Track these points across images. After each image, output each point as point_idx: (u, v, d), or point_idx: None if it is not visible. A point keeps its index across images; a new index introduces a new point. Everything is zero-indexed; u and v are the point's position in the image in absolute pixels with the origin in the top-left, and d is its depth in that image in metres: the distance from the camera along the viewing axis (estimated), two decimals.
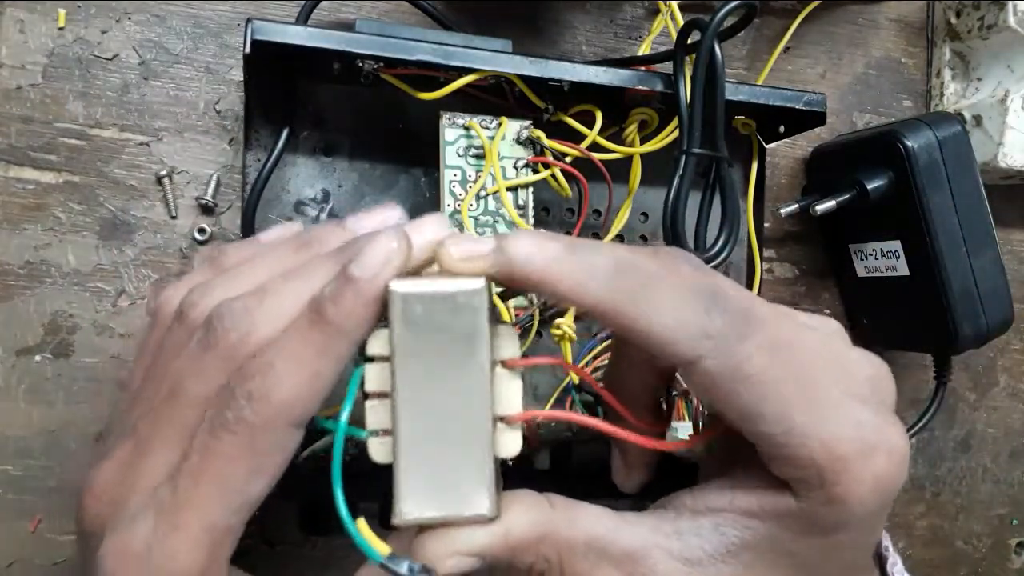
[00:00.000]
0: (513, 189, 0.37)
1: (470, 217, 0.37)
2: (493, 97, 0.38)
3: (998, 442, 0.54)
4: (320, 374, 0.22)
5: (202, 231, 0.39)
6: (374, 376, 0.22)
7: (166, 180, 0.39)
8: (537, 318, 0.40)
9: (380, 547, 0.21)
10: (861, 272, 0.47)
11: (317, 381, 0.22)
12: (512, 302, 0.38)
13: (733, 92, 0.39)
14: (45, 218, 0.37)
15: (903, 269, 0.44)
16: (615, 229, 0.41)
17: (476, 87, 0.37)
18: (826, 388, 0.23)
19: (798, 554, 0.24)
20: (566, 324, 0.39)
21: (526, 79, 0.37)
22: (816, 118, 0.41)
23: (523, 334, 0.40)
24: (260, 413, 0.22)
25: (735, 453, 0.26)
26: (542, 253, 0.22)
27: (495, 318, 0.22)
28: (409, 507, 0.22)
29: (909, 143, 0.42)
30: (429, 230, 0.23)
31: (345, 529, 0.21)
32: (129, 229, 0.38)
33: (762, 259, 0.45)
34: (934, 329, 0.44)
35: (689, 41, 0.37)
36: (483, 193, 0.37)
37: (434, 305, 0.21)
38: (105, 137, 0.38)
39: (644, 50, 0.44)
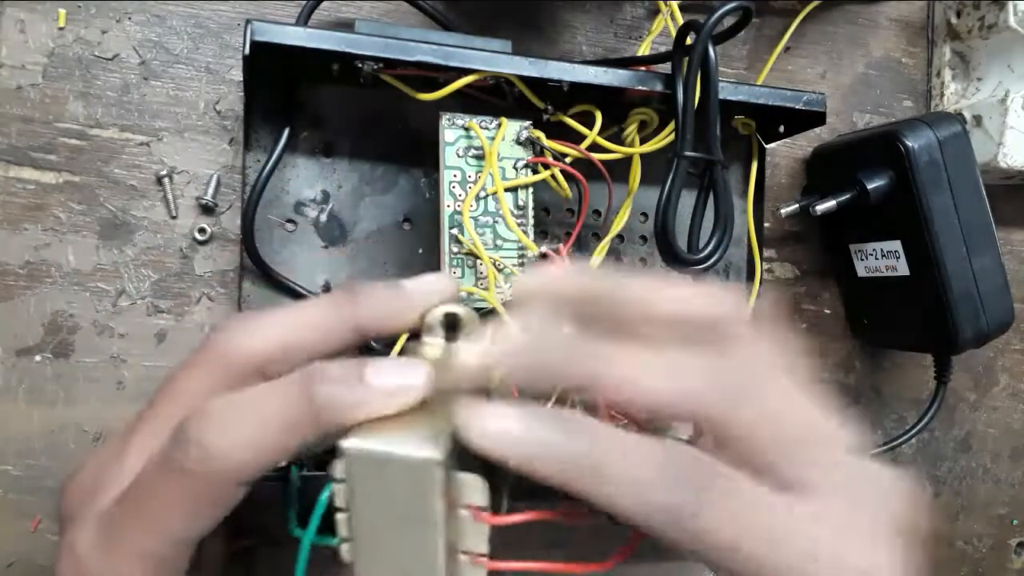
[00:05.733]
0: (513, 190, 0.37)
1: (470, 218, 0.37)
2: (493, 98, 0.38)
3: (998, 442, 0.54)
4: (279, 448, 0.21)
5: (202, 231, 0.39)
6: (340, 494, 0.22)
7: (166, 180, 0.39)
8: None
9: None
10: (861, 272, 0.47)
11: (272, 453, 0.21)
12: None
13: (733, 92, 0.39)
14: (45, 218, 0.37)
15: (903, 269, 0.44)
16: (615, 229, 0.41)
17: (476, 88, 0.37)
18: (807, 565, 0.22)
19: None
20: None
21: (526, 79, 0.37)
22: (816, 118, 0.41)
23: None
24: (203, 465, 0.21)
25: None
26: (495, 429, 0.21)
27: (464, 464, 0.22)
28: None
29: (909, 143, 0.42)
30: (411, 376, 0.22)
31: None
32: (129, 229, 0.38)
33: (762, 259, 0.45)
34: (934, 329, 0.44)
35: (687, 43, 0.37)
36: (483, 194, 0.37)
37: (383, 466, 0.21)
38: (105, 137, 0.38)
39: (644, 50, 0.44)
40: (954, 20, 0.50)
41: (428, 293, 0.25)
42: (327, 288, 0.39)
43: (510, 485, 0.25)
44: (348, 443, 0.21)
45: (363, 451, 0.21)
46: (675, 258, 0.37)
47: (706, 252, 0.38)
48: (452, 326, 0.26)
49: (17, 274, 0.37)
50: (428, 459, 0.21)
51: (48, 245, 0.37)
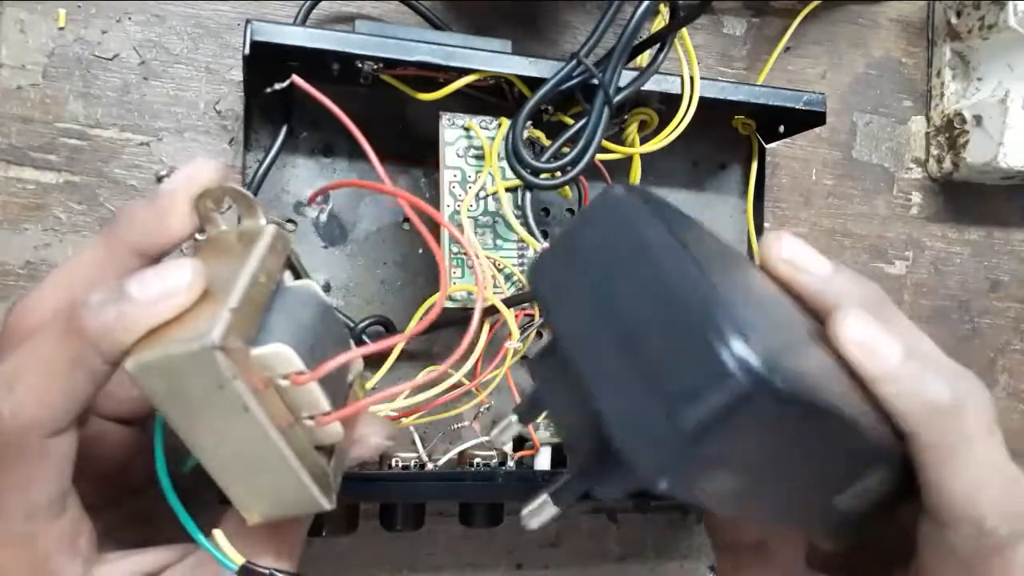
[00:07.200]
0: (513, 190, 0.37)
1: (469, 217, 0.37)
2: (493, 98, 0.38)
3: None
4: (71, 389, 0.21)
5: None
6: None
7: (166, 180, 0.38)
8: (537, 319, 0.40)
9: (235, 556, 0.22)
10: None
11: (65, 396, 0.21)
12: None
13: (733, 92, 0.39)
14: (45, 218, 0.37)
15: None
16: None
17: (476, 88, 0.37)
18: None
19: None
20: None
21: (526, 79, 0.37)
22: (816, 118, 0.41)
23: (522, 332, 0.40)
24: (2, 433, 0.21)
25: None
26: None
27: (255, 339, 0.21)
28: (251, 515, 0.22)
29: None
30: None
31: (198, 543, 0.22)
32: None
33: None
34: None
35: None
36: (483, 194, 0.37)
37: (169, 371, 0.20)
38: (105, 137, 0.38)
39: None
40: (954, 20, 0.50)
41: (187, 186, 0.24)
42: (327, 288, 0.39)
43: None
44: (128, 363, 0.20)
45: (143, 364, 0.20)
46: (518, 157, 0.35)
47: (555, 163, 0.35)
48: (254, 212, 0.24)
49: (17, 274, 0.37)
50: (203, 348, 0.19)
51: (48, 245, 0.37)
